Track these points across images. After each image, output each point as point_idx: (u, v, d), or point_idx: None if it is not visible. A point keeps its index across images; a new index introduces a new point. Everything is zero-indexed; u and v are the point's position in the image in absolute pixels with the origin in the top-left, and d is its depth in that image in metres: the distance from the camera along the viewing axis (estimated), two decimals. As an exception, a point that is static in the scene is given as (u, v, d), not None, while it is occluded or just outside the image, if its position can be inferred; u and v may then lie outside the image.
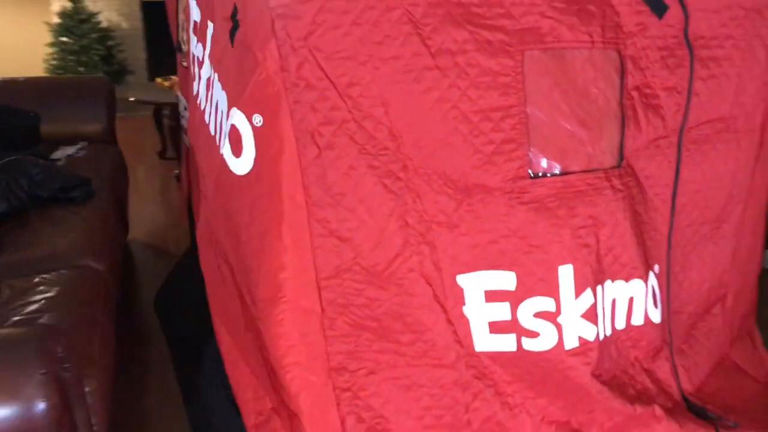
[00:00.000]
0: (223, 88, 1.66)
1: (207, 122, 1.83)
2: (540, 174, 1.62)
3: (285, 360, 1.62)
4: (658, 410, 1.79)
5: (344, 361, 1.63)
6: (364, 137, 1.51)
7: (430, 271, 1.61)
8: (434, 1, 1.48)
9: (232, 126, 1.58)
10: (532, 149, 1.60)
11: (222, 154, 1.66)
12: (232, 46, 1.55)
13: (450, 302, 1.64)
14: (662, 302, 1.89)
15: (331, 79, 1.47)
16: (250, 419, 1.76)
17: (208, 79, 1.84)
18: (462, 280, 1.63)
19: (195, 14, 2.00)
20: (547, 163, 1.62)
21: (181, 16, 2.35)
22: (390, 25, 1.47)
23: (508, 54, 1.55)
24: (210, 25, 1.83)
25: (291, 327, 1.60)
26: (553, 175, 1.63)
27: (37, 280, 1.83)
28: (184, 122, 2.56)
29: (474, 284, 1.64)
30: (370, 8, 1.45)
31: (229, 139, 1.61)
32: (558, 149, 1.63)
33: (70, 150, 2.66)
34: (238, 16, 1.50)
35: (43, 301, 1.72)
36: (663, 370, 1.90)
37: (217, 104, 1.73)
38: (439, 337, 1.64)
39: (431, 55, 1.50)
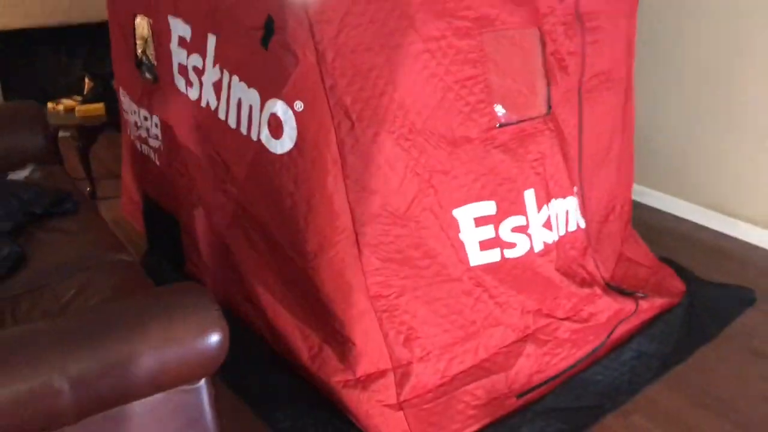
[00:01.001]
0: (251, 86, 2.01)
1: (223, 118, 2.15)
2: (505, 123, 2.16)
3: (335, 295, 2.03)
4: (597, 290, 2.43)
5: (379, 289, 2.06)
6: (382, 109, 1.95)
7: (435, 208, 2.09)
8: (421, 1, 1.95)
9: (272, 114, 1.94)
10: (496, 106, 2.13)
11: (259, 139, 2.01)
12: (266, 50, 1.92)
13: (451, 231, 2.13)
14: (582, 215, 2.52)
15: (356, 66, 1.89)
16: (303, 353, 2.13)
17: (217, 82, 2.16)
18: (457, 213, 2.13)
19: (180, 30, 2.29)
20: (507, 115, 2.17)
21: (143, 33, 2.60)
22: (394, 21, 1.92)
23: (472, 36, 2.06)
24: (211, 36, 2.16)
25: (338, 269, 2.01)
26: (512, 123, 2.18)
27: (87, 276, 2.05)
28: (142, 132, 2.79)
29: (465, 215, 2.14)
30: (379, 9, 1.89)
31: (268, 126, 1.97)
32: (513, 104, 2.18)
33: (24, 172, 2.77)
34: (275, 25, 1.87)
35: (110, 291, 1.97)
36: (590, 264, 2.53)
37: (239, 101, 2.07)
38: (447, 258, 2.13)
39: (423, 41, 1.97)
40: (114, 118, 3.79)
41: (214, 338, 1.52)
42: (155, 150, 2.73)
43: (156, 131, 2.67)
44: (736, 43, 3.10)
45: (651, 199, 3.63)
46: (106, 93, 3.88)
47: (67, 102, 3.94)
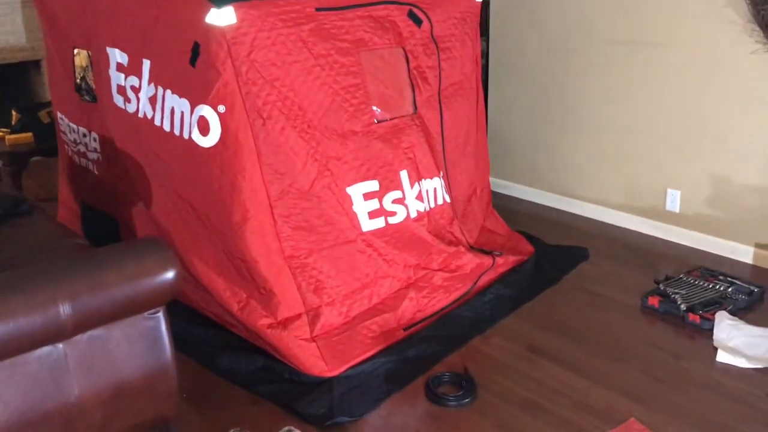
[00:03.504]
0: (182, 96, 2.58)
1: (158, 124, 2.70)
2: (381, 120, 2.82)
3: (258, 257, 2.59)
4: (462, 249, 3.11)
5: (292, 251, 2.65)
6: (286, 109, 2.56)
7: (332, 186, 2.71)
8: (311, 28, 2.60)
9: (201, 116, 2.52)
10: (374, 106, 2.79)
11: (190, 138, 2.57)
12: (194, 68, 2.49)
13: (345, 204, 2.75)
14: (448, 193, 3.21)
15: (264, 77, 2.50)
16: (233, 306, 2.67)
17: (152, 97, 2.71)
18: (349, 189, 2.76)
19: (118, 57, 2.84)
20: (383, 113, 2.83)
21: (82, 63, 3.11)
22: (291, 43, 2.55)
23: (351, 54, 2.72)
24: (146, 61, 2.72)
25: (258, 235, 2.58)
26: (387, 120, 2.85)
27: (55, 254, 2.52)
28: (80, 147, 3.29)
29: (356, 191, 2.77)
30: (280, 35, 2.51)
31: (198, 126, 2.54)
32: (386, 105, 2.85)
33: (-25, 187, 3.21)
34: (200, 49, 2.45)
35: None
36: (456, 231, 3.21)
37: (172, 109, 2.63)
38: (344, 225, 2.75)
39: (314, 58, 2.61)
40: (41, 145, 4.24)
41: (171, 272, 2.07)
42: (94, 162, 3.23)
43: (95, 145, 3.17)
44: (565, 63, 3.93)
45: (507, 189, 4.41)
46: (33, 124, 4.33)
47: (-1, 132, 4.34)
